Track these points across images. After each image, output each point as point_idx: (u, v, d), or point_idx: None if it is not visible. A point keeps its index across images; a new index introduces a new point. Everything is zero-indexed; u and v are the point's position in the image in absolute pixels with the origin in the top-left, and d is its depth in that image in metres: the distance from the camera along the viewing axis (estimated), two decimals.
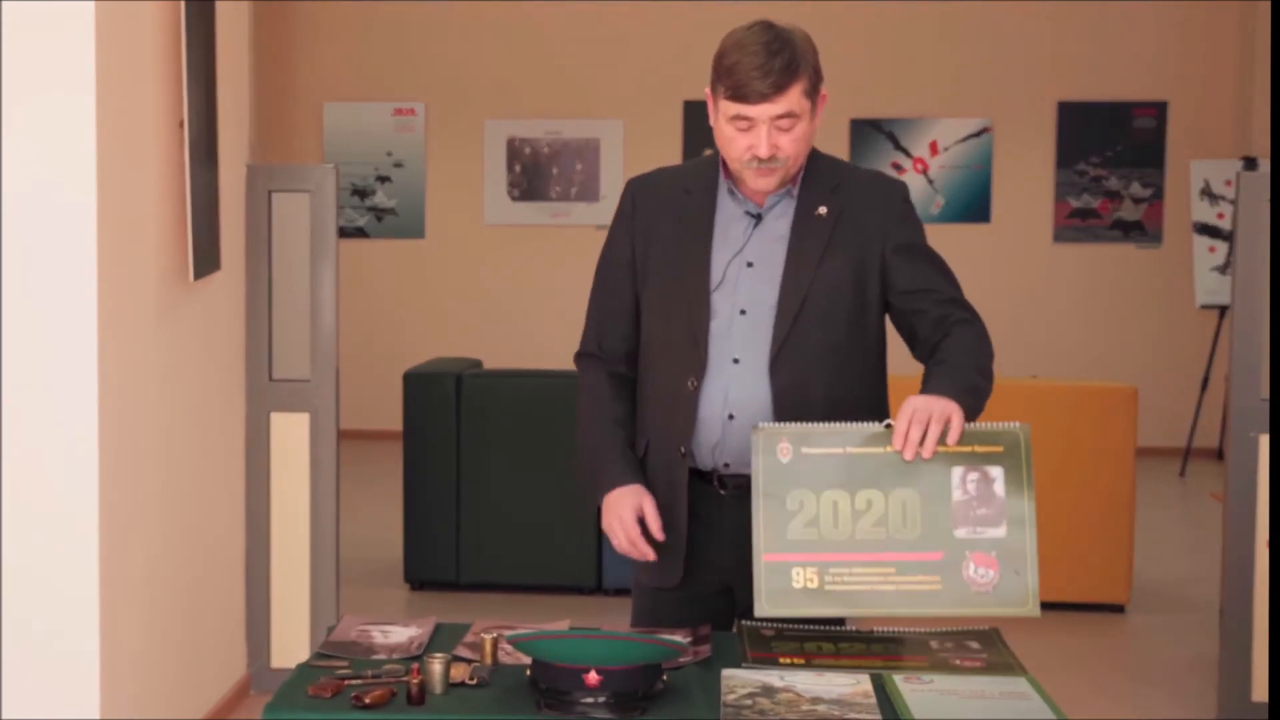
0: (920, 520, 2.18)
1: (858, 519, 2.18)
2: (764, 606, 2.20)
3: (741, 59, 2.31)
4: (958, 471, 2.18)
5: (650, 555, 2.38)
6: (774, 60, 2.29)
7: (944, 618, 2.21)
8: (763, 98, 2.30)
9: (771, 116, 2.32)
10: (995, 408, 6.03)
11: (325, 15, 9.66)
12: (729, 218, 2.45)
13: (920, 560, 2.17)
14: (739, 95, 2.31)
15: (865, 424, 2.22)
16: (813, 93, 2.36)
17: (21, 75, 3.23)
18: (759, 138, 2.33)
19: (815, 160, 2.46)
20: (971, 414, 2.26)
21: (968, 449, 2.19)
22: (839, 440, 2.21)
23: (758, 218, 2.44)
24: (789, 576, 2.19)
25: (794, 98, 2.32)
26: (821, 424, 2.24)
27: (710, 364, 2.40)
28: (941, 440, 2.18)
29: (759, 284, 2.41)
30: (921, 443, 2.17)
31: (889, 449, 2.19)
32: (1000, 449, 2.19)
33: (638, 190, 2.54)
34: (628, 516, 2.39)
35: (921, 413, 2.19)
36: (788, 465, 2.21)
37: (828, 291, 2.39)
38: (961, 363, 2.37)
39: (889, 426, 2.20)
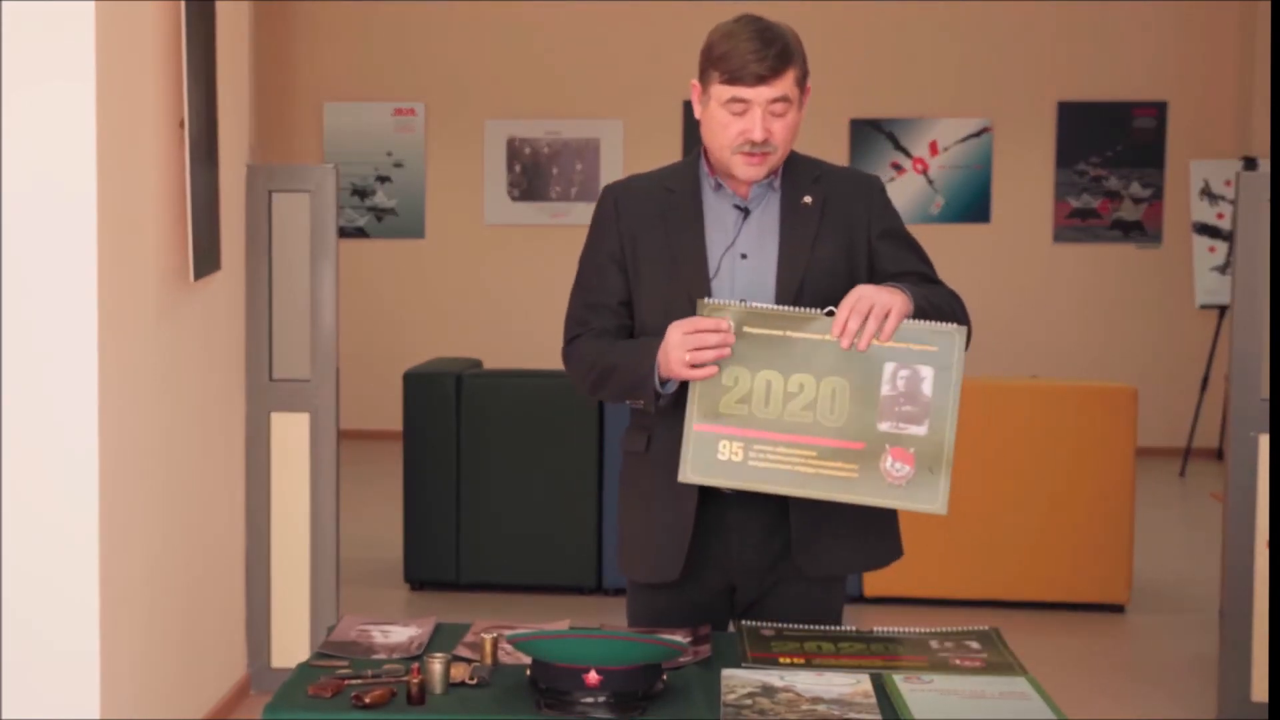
0: (847, 409, 2.24)
1: (788, 401, 2.25)
2: (687, 473, 2.28)
3: (736, 45, 2.35)
4: (889, 367, 2.24)
5: (725, 333, 2.26)
6: (769, 47, 2.34)
7: (856, 504, 2.27)
8: (760, 80, 2.34)
9: (767, 100, 2.35)
10: (994, 408, 6.02)
11: (325, 15, 9.66)
12: (717, 212, 2.47)
13: (841, 447, 2.24)
14: (735, 78, 2.34)
15: (808, 310, 2.28)
16: (803, 83, 2.40)
17: (21, 75, 3.23)
18: (753, 121, 2.35)
19: (792, 157, 2.50)
20: (919, 316, 2.29)
21: (904, 345, 2.24)
22: (781, 324, 2.26)
23: (746, 211, 2.46)
24: (716, 448, 2.26)
25: (788, 83, 2.36)
26: (767, 305, 2.30)
27: None
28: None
29: (754, 274, 2.43)
30: (859, 334, 2.22)
31: (827, 337, 2.25)
32: (935, 349, 2.24)
33: (619, 194, 2.54)
34: (680, 338, 2.28)
35: (863, 303, 2.23)
36: None
37: (823, 276, 2.41)
38: (930, 288, 2.40)
39: (830, 314, 2.25)
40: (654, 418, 2.43)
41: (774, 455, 2.25)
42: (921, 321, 2.26)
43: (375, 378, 9.17)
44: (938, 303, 2.37)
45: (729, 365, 2.26)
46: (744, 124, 2.36)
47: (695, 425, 2.26)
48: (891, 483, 2.24)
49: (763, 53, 2.33)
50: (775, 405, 2.25)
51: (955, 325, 2.25)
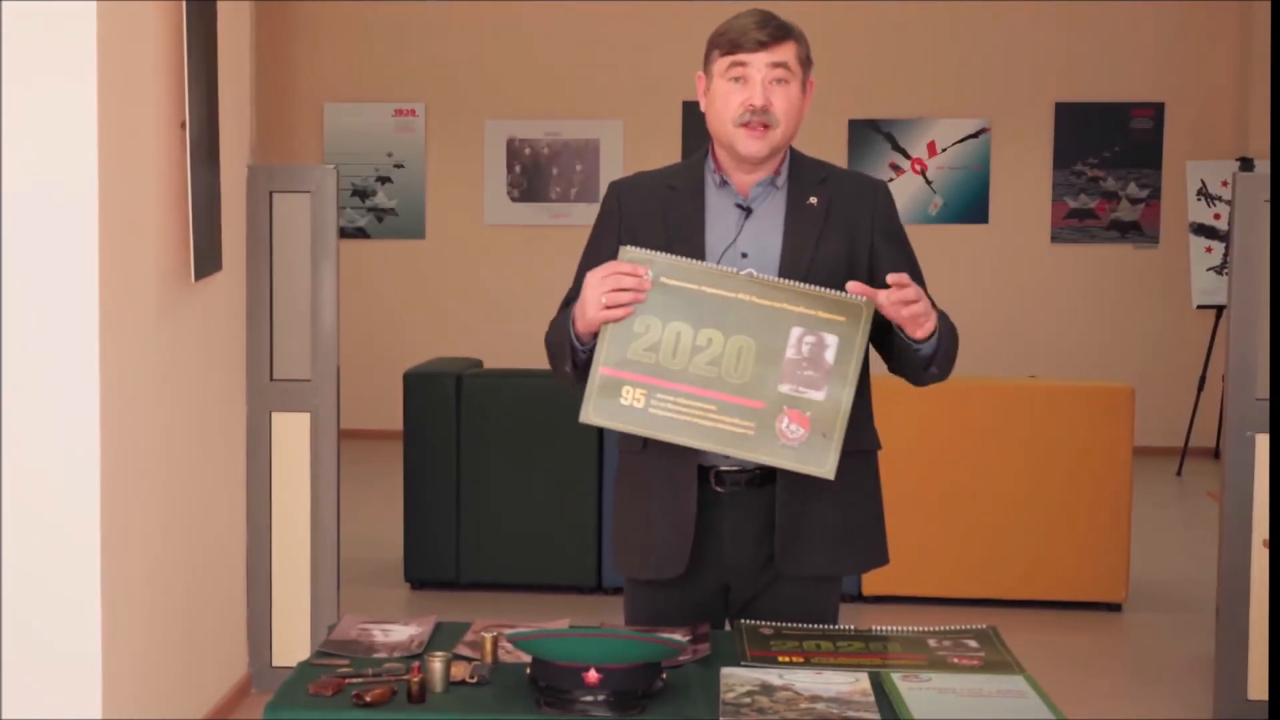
0: (751, 368, 2.29)
1: (695, 354, 2.29)
2: (589, 414, 2.32)
3: (737, 22, 2.42)
4: (796, 331, 2.29)
5: (641, 278, 2.28)
6: (771, 21, 2.41)
7: (749, 461, 2.33)
8: (760, 45, 2.39)
9: (767, 64, 2.39)
10: (993, 408, 6.02)
11: (325, 15, 9.66)
12: (718, 211, 2.48)
13: (741, 404, 2.29)
14: (736, 46, 2.40)
15: (727, 269, 2.33)
16: (806, 64, 2.44)
17: (22, 76, 3.24)
18: (754, 89, 2.39)
19: (798, 157, 2.53)
20: (939, 344, 2.36)
21: (812, 312, 2.29)
22: (699, 278, 2.31)
23: (748, 210, 2.47)
24: (619, 392, 2.30)
25: (788, 52, 2.41)
26: (688, 260, 2.33)
27: None
28: (789, 298, 2.28)
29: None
30: (905, 306, 2.26)
31: (741, 296, 2.29)
32: (843, 319, 2.29)
33: (623, 190, 2.55)
34: (597, 281, 2.30)
35: (914, 292, 2.27)
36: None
37: (825, 276, 2.42)
38: (945, 316, 2.46)
39: (750, 276, 2.31)
40: None
41: (674, 405, 2.29)
42: (831, 291, 2.30)
43: (375, 378, 9.17)
44: (949, 326, 2.42)
45: (642, 313, 2.30)
46: (745, 94, 2.40)
47: (601, 369, 2.31)
48: (785, 443, 2.28)
49: (764, 23, 2.40)
50: (682, 357, 2.29)
51: (865, 299, 2.29)
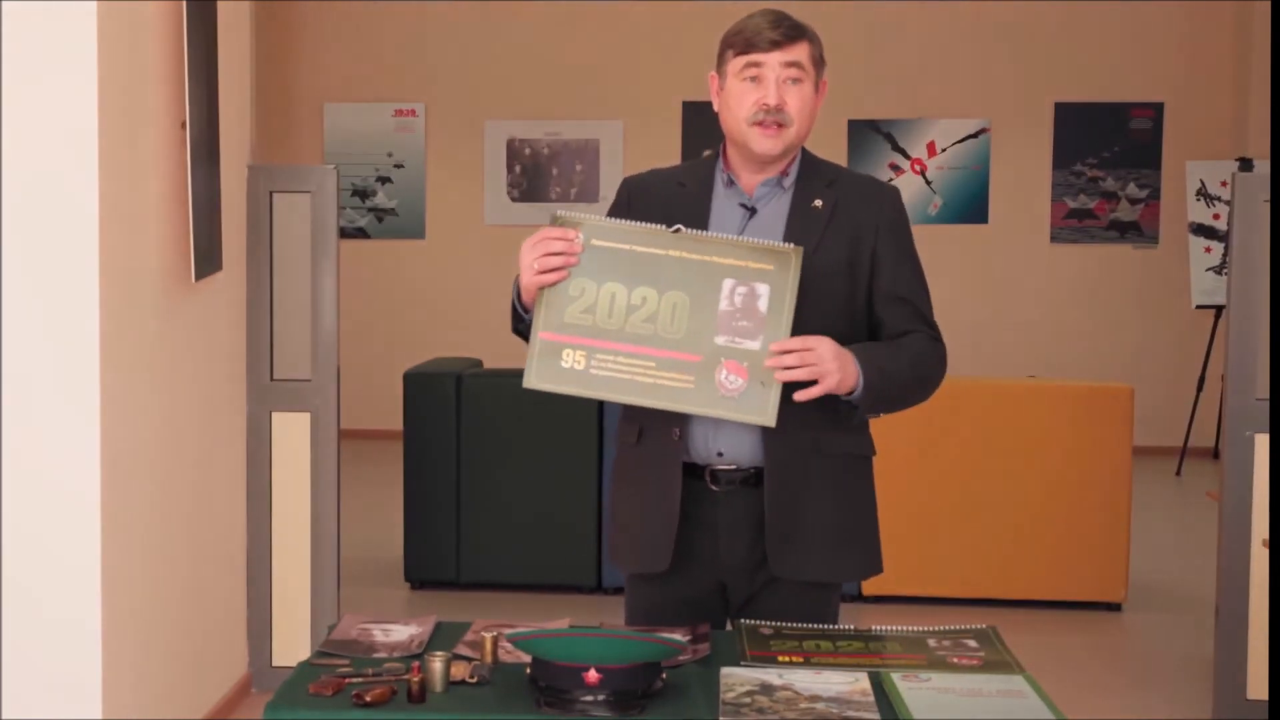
0: (686, 323, 2.32)
1: (631, 313, 2.33)
2: (531, 379, 2.35)
3: (751, 21, 2.44)
4: (728, 283, 2.32)
5: (571, 241, 2.32)
6: (785, 21, 2.43)
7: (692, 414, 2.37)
8: (774, 45, 2.41)
9: (782, 63, 2.41)
10: (993, 407, 6.03)
11: (325, 15, 9.67)
12: (723, 210, 2.50)
13: (679, 359, 2.32)
14: (750, 46, 2.42)
15: (656, 226, 2.35)
16: (819, 64, 2.46)
17: (23, 75, 3.24)
18: (768, 88, 2.41)
19: (809, 158, 2.53)
20: (871, 392, 2.35)
21: (742, 263, 2.32)
22: (629, 238, 2.34)
23: (752, 210, 2.47)
24: (560, 356, 2.33)
25: (802, 52, 2.43)
26: (619, 220, 2.37)
27: None
28: (718, 250, 2.32)
29: None
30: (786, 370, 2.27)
31: (671, 253, 2.33)
32: (771, 268, 2.32)
33: (633, 187, 2.58)
34: (529, 248, 2.33)
35: (812, 356, 2.28)
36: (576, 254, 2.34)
37: (823, 278, 2.42)
38: (905, 352, 2.44)
39: (677, 230, 2.34)
40: (645, 412, 2.44)
41: (614, 364, 2.32)
42: (760, 241, 2.33)
43: (375, 378, 9.17)
44: (895, 371, 2.39)
45: (577, 276, 2.33)
46: (759, 91, 2.41)
47: (540, 334, 2.33)
48: (725, 394, 2.30)
49: (778, 23, 2.42)
50: (618, 317, 2.32)
51: (792, 246, 2.32)
